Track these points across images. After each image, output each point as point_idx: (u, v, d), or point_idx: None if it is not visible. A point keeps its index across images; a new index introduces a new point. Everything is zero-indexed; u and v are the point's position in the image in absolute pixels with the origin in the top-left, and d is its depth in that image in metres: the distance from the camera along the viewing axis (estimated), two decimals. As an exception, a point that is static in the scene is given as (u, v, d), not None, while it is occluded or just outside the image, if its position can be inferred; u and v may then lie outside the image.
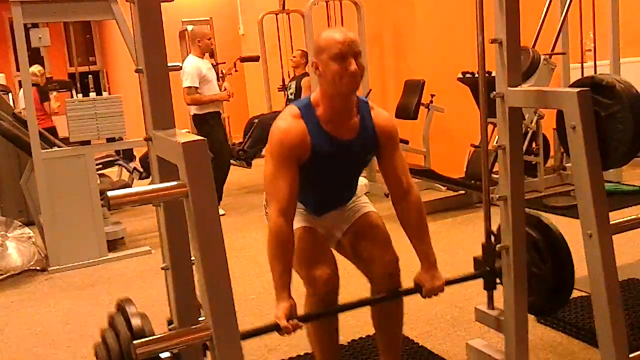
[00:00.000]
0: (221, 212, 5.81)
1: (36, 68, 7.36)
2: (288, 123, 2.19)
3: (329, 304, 2.24)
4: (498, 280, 2.50)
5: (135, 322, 1.77)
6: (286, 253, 2.12)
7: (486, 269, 2.50)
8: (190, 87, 5.66)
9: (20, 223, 4.74)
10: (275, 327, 2.07)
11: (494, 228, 2.49)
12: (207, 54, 6.03)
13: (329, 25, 6.65)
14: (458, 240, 4.52)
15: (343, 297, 2.30)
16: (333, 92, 2.16)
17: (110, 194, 1.47)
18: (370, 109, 2.28)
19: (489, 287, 2.56)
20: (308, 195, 2.28)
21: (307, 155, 2.17)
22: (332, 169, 2.26)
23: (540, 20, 5.44)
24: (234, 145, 7.08)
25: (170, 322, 1.99)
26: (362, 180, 2.44)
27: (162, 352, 1.64)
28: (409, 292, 2.32)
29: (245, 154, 6.77)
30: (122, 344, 1.75)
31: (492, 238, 2.51)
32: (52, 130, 7.22)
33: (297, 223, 2.25)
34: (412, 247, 2.31)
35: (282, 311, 2.06)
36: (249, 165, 6.93)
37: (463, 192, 5.51)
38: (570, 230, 2.43)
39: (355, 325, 3.08)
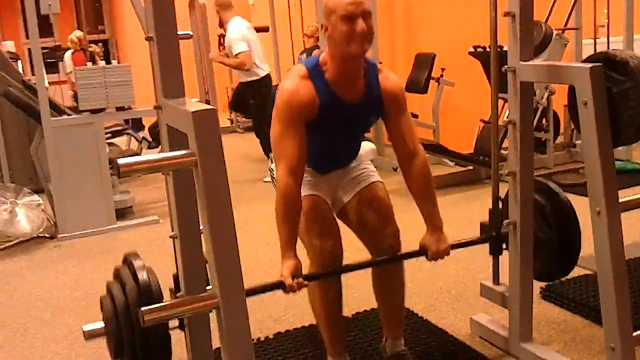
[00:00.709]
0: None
1: (76, 34, 8.17)
2: (295, 84, 2.18)
3: (332, 278, 2.27)
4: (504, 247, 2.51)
5: (142, 275, 1.79)
6: (294, 212, 2.13)
7: (492, 234, 2.49)
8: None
9: (29, 190, 4.77)
10: (280, 285, 2.09)
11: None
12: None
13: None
14: (466, 215, 4.51)
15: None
16: (342, 54, 2.14)
17: (120, 161, 1.47)
18: (378, 72, 2.27)
19: (495, 252, 2.55)
20: (312, 153, 2.27)
21: (315, 115, 2.18)
22: (337, 129, 2.26)
23: (554, -5, 5.37)
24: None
25: (173, 292, 2.01)
26: (368, 145, 2.43)
27: (169, 319, 1.66)
28: (414, 254, 2.32)
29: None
30: (127, 295, 1.77)
31: (499, 204, 2.50)
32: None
33: (304, 191, 2.25)
34: (416, 221, 2.32)
35: (287, 269, 2.08)
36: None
37: (472, 167, 5.50)
38: (578, 208, 2.43)
39: (359, 298, 3.10)
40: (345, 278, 2.33)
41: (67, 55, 8.78)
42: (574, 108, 2.09)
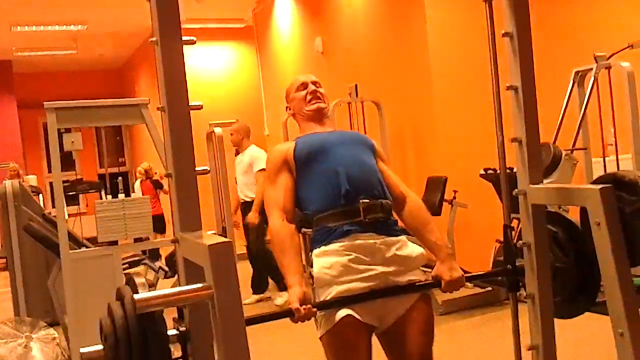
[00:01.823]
0: (282, 300, 5.98)
1: (143, 166, 9.75)
2: (275, 146, 2.49)
3: None
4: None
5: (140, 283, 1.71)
6: (291, 245, 2.18)
7: (507, 267, 2.38)
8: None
9: (45, 324, 4.74)
10: (288, 313, 2.04)
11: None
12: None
13: (351, 127, 6.80)
14: (487, 338, 4.41)
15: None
16: (305, 115, 2.47)
17: (137, 297, 1.49)
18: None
19: (512, 287, 2.43)
20: (330, 184, 2.27)
21: (295, 153, 2.34)
22: (329, 145, 2.36)
23: (560, 117, 5.51)
24: None
25: (177, 321, 1.89)
26: (418, 249, 2.35)
27: None
28: (429, 285, 2.27)
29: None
30: (127, 312, 1.66)
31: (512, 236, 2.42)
32: (161, 217, 9.23)
33: (341, 311, 2.16)
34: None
35: (294, 297, 2.05)
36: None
37: (490, 288, 5.43)
38: (602, 325, 2.37)
39: None
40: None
41: (137, 185, 9.96)
42: (587, 228, 2.10)
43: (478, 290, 5.56)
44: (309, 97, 2.48)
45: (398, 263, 2.24)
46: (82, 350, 1.73)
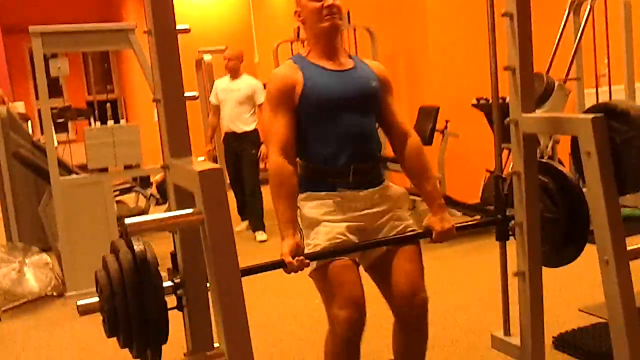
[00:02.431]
0: (263, 237, 5.93)
1: None
2: (280, 69, 2.31)
3: (351, 346, 2.17)
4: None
5: (138, 246, 1.72)
6: (288, 190, 2.14)
7: (498, 217, 2.44)
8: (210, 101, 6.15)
9: (37, 249, 4.78)
10: (280, 264, 2.05)
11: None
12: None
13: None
14: (474, 265, 4.50)
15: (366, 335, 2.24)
16: (316, 32, 2.26)
17: (127, 221, 1.49)
18: (361, 59, 2.39)
19: (501, 237, 2.49)
20: (328, 140, 2.24)
21: (301, 89, 2.22)
22: (338, 98, 2.24)
23: (554, 46, 5.45)
24: None
25: (171, 272, 1.93)
26: (399, 189, 2.38)
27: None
28: (420, 235, 2.28)
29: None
30: (122, 264, 1.69)
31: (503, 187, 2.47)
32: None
33: (327, 236, 2.19)
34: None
35: (287, 248, 2.06)
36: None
37: (479, 217, 5.49)
38: (587, 255, 2.42)
39: (371, 352, 3.06)
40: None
41: None
42: (578, 158, 2.11)
43: (467, 219, 5.63)
44: (325, 12, 2.22)
45: (381, 203, 2.30)
46: (79, 302, 1.75)
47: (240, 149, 5.95)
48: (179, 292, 1.81)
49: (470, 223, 2.46)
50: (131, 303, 1.65)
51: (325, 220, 2.23)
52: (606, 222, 2.01)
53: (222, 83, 6.06)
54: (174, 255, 1.94)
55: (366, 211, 2.27)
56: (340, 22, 2.28)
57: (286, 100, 2.22)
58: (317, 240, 2.21)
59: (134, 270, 1.67)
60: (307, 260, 2.08)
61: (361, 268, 2.32)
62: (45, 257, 4.74)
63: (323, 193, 2.25)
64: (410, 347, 2.34)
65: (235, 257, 1.52)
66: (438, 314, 3.52)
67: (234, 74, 5.99)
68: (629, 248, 2.08)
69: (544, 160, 2.44)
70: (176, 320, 1.80)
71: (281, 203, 2.13)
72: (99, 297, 1.74)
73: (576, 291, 3.72)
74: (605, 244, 2.02)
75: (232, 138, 6.00)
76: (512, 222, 2.38)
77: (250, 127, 5.94)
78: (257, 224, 6.03)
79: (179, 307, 1.86)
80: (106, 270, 1.73)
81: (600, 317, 3.10)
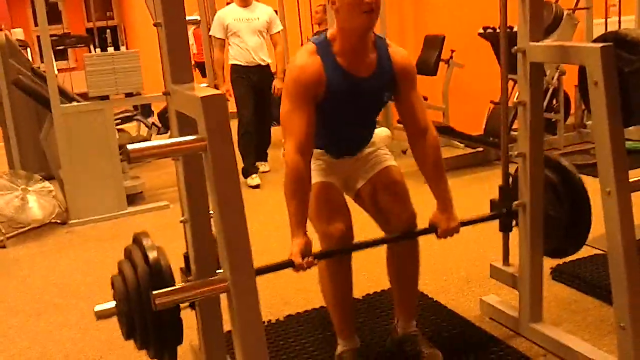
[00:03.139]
0: (267, 168, 5.85)
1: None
2: (304, 60, 2.18)
3: (340, 260, 2.26)
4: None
5: (152, 255, 1.80)
6: (303, 189, 2.12)
7: (502, 211, 2.47)
8: (210, 35, 5.56)
9: (40, 177, 4.80)
10: (289, 264, 2.08)
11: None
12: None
13: None
14: (476, 196, 4.49)
15: (357, 252, 2.30)
16: (349, 26, 2.12)
17: (130, 147, 1.48)
18: (387, 46, 2.25)
19: (505, 229, 2.55)
20: (325, 136, 2.28)
21: (323, 91, 2.16)
22: (349, 106, 2.23)
23: (565, -26, 5.32)
24: None
25: (184, 271, 2.02)
26: (384, 131, 2.43)
27: (180, 303, 1.68)
28: (424, 232, 2.31)
29: None
30: (139, 275, 1.78)
31: (510, 181, 2.50)
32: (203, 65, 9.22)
33: (315, 177, 2.26)
34: (427, 202, 2.31)
35: (297, 247, 2.08)
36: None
37: (481, 149, 5.48)
38: (588, 188, 2.42)
39: (369, 280, 3.11)
40: (355, 260, 2.32)
41: (190, 32, 9.73)
42: (585, 88, 2.08)
43: (469, 150, 5.62)
44: (364, 7, 2.05)
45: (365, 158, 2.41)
46: (97, 308, 1.81)
47: (264, 83, 5.54)
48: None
49: (475, 219, 2.47)
50: (147, 308, 1.71)
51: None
52: (610, 153, 2.00)
53: (232, 13, 5.49)
54: (186, 257, 1.97)
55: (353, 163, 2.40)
56: (376, 19, 2.13)
57: (307, 97, 2.14)
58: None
59: (148, 277, 1.76)
60: (316, 261, 2.11)
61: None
62: (47, 185, 4.76)
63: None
64: (403, 268, 2.41)
65: (237, 184, 1.52)
66: (437, 244, 3.54)
67: (245, 1, 5.49)
68: (631, 180, 2.07)
69: (552, 157, 2.47)
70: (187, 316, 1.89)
71: (295, 201, 2.11)
72: (115, 302, 1.82)
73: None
74: (608, 175, 2.02)
75: (254, 71, 5.46)
76: (516, 153, 2.37)
77: (270, 59, 5.59)
78: (263, 155, 5.89)
79: (192, 306, 1.95)
80: (122, 277, 1.81)
81: (599, 249, 3.13)
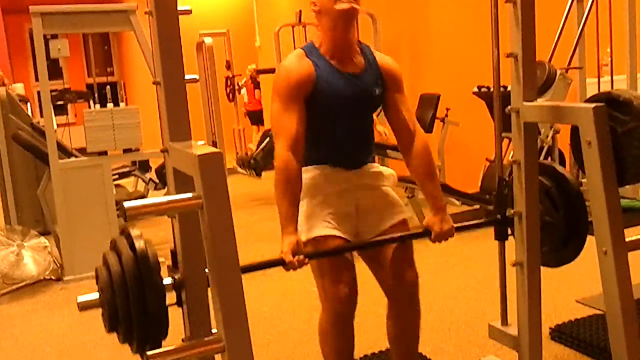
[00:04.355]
0: None
1: (251, 66, 9.85)
2: (293, 62, 2.22)
3: (344, 322, 2.21)
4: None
5: (138, 243, 1.72)
6: (293, 187, 2.11)
7: (497, 217, 2.43)
8: None
9: (36, 232, 4.78)
10: (280, 262, 2.04)
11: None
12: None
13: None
14: (473, 255, 4.49)
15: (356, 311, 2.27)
16: (332, 23, 2.19)
17: (126, 204, 1.48)
18: (372, 52, 2.34)
19: (501, 237, 2.49)
20: (324, 143, 2.26)
21: (313, 89, 2.18)
22: (342, 104, 2.23)
23: (557, 34, 5.43)
24: (246, 155, 7.12)
25: (171, 268, 1.94)
26: (387, 170, 2.40)
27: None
28: (419, 235, 2.29)
29: (255, 164, 6.80)
30: (123, 260, 1.70)
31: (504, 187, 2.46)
32: (259, 114, 10.20)
33: (322, 228, 2.21)
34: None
35: (287, 246, 2.04)
36: (259, 175, 6.99)
37: (478, 206, 5.49)
38: (585, 246, 2.41)
39: (369, 340, 3.07)
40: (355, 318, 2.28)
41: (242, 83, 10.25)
42: (578, 148, 2.09)
43: (466, 208, 5.63)
44: (344, 2, 2.15)
45: (369, 177, 2.34)
46: (79, 299, 1.75)
47: None
48: (178, 286, 1.81)
49: (469, 224, 2.46)
50: (132, 300, 1.65)
51: (317, 194, 2.26)
52: (605, 212, 2.00)
53: None
54: (173, 253, 1.94)
55: (355, 181, 2.31)
56: (358, 6, 2.20)
57: (298, 95, 2.17)
58: (306, 206, 2.24)
59: (134, 267, 1.67)
60: (307, 259, 2.08)
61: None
62: (43, 240, 4.74)
63: (311, 167, 2.28)
64: (403, 330, 2.36)
65: (234, 243, 1.51)
66: (436, 303, 3.52)
67: None
68: (627, 239, 2.07)
69: (544, 162, 2.44)
70: (174, 315, 1.80)
71: (285, 200, 2.10)
72: (99, 292, 1.74)
73: (574, 282, 3.72)
74: (604, 235, 2.02)
75: None
76: (512, 211, 2.37)
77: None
78: None
79: (179, 303, 1.87)
80: (107, 267, 1.74)
81: (598, 309, 3.10)
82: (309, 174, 2.27)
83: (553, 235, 2.39)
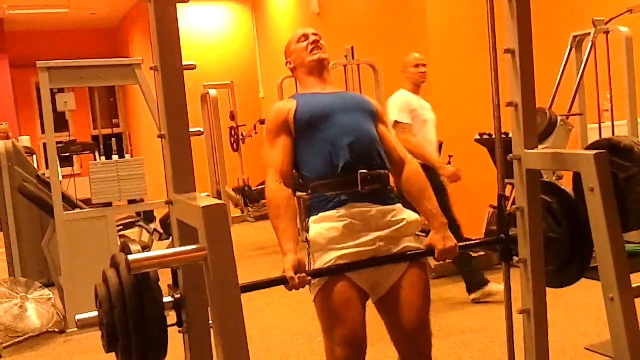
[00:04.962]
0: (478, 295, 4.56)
1: None
2: (275, 104, 2.42)
3: None
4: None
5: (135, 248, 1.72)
6: (287, 211, 2.16)
7: (501, 237, 2.39)
8: (398, 121, 4.55)
9: (40, 284, 4.76)
10: (282, 281, 2.03)
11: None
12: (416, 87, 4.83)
13: (346, 88, 6.75)
14: (479, 302, 4.45)
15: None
16: (307, 65, 2.42)
17: (130, 257, 1.48)
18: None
19: (504, 256, 2.43)
20: (328, 144, 2.25)
21: (295, 114, 2.29)
22: (332, 107, 2.31)
23: (556, 81, 5.49)
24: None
25: (171, 287, 1.89)
26: (413, 215, 2.36)
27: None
28: (422, 254, 2.27)
29: (249, 192, 6.78)
30: (122, 278, 1.67)
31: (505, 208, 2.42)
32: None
33: (335, 252, 2.17)
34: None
35: (289, 264, 2.04)
36: (246, 205, 6.98)
37: (483, 253, 5.46)
38: (592, 291, 2.40)
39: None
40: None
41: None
42: (580, 194, 2.10)
43: (471, 254, 5.59)
44: (310, 47, 2.40)
45: (392, 229, 2.25)
46: (78, 317, 1.72)
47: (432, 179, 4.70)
48: (178, 305, 1.78)
49: (472, 242, 2.46)
50: (131, 316, 1.62)
51: (335, 248, 2.18)
52: (610, 259, 1.99)
53: (412, 98, 4.80)
54: (174, 271, 1.92)
55: (376, 234, 2.21)
56: (326, 56, 2.43)
57: (282, 127, 2.31)
58: (326, 260, 2.18)
59: (134, 283, 1.65)
60: (309, 278, 2.06)
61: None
62: (47, 292, 4.72)
63: (333, 212, 2.21)
64: None
65: (237, 294, 1.51)
66: (442, 351, 3.48)
67: (418, 88, 4.77)
68: (633, 285, 2.06)
69: (546, 180, 2.43)
70: (174, 337, 1.78)
71: (281, 221, 2.14)
72: (98, 311, 1.71)
73: (582, 328, 3.68)
74: (610, 281, 2.01)
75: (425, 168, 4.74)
76: (517, 258, 2.35)
77: None
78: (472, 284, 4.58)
79: (179, 322, 1.83)
80: (106, 284, 1.71)
81: (607, 356, 3.06)
82: (324, 226, 2.21)
83: (556, 251, 2.36)
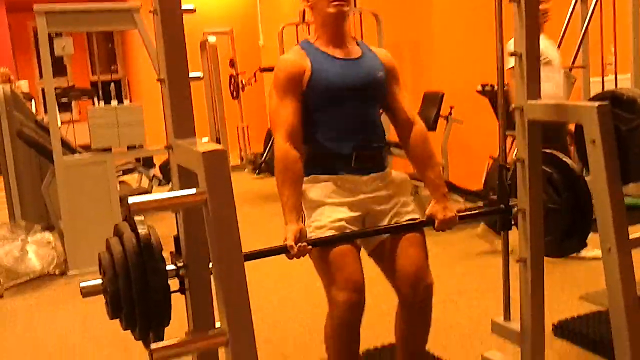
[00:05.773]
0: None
1: None
2: (288, 56, 2.31)
3: (350, 329, 2.17)
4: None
5: (142, 230, 1.70)
6: (293, 176, 2.15)
7: (500, 207, 2.42)
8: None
9: (40, 228, 4.80)
10: (283, 250, 2.05)
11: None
12: None
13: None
14: (475, 252, 4.50)
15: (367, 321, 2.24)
16: (324, 16, 2.25)
17: (130, 200, 1.48)
18: (368, 46, 2.39)
19: (504, 226, 2.47)
20: (334, 132, 2.25)
21: (310, 79, 2.23)
22: (344, 92, 2.25)
23: (561, 34, 5.42)
24: (254, 156, 7.09)
25: (174, 255, 1.92)
26: (402, 175, 2.39)
27: (178, 356, 1.64)
28: (423, 224, 2.29)
29: (267, 167, 6.81)
30: (126, 246, 1.68)
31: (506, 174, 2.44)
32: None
33: (332, 231, 2.19)
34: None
35: (291, 234, 2.06)
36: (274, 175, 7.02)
37: (481, 204, 5.49)
38: (590, 243, 2.41)
39: (371, 336, 3.07)
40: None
41: None
42: (582, 146, 2.10)
43: (469, 205, 5.62)
44: None
45: (383, 188, 2.31)
46: (82, 284, 1.74)
47: None
48: (181, 272, 1.80)
49: (472, 213, 2.45)
50: (134, 285, 1.64)
51: (327, 204, 2.23)
52: (609, 210, 2.00)
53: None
54: (177, 239, 1.94)
55: (368, 195, 2.28)
56: (348, 8, 2.26)
57: (294, 86, 2.23)
58: (320, 221, 2.21)
59: (137, 252, 1.66)
60: (310, 247, 2.09)
61: (363, 252, 2.32)
62: (47, 235, 4.76)
63: (326, 176, 2.27)
64: (413, 332, 2.34)
65: (237, 238, 1.52)
66: (439, 299, 3.50)
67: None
68: (631, 237, 2.07)
69: (547, 151, 2.43)
70: (178, 303, 1.81)
71: (286, 188, 2.14)
72: (102, 279, 1.74)
73: (577, 279, 3.73)
74: (608, 232, 2.02)
75: None
76: (515, 209, 2.37)
77: None
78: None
79: (182, 290, 1.86)
80: (110, 253, 1.73)
81: (601, 306, 3.11)
82: (317, 186, 2.26)
83: (557, 222, 2.37)
